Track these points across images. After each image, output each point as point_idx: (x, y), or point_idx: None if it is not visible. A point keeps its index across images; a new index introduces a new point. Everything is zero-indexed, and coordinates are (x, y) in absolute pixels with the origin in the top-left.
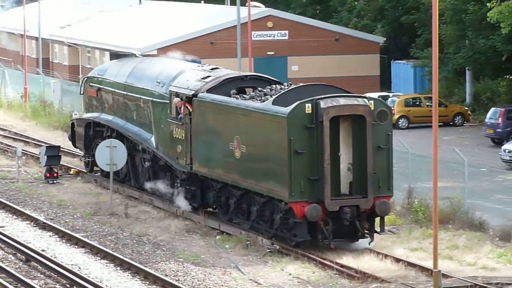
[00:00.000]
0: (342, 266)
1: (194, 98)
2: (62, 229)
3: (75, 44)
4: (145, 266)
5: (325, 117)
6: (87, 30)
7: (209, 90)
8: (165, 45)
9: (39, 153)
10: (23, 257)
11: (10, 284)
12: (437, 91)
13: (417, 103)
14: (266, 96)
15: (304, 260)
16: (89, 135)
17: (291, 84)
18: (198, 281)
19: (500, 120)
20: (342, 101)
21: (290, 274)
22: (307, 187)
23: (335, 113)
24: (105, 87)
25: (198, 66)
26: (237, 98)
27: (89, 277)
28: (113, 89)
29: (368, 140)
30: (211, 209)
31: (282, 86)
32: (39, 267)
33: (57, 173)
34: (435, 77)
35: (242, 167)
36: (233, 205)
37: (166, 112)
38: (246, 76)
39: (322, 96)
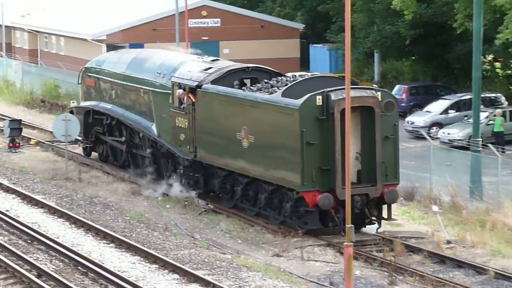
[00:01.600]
0: (267, 223)
1: (198, 89)
2: (24, 192)
3: (34, 30)
4: (96, 224)
5: (336, 108)
6: (44, 18)
7: (213, 82)
8: (113, 31)
9: (3, 126)
10: None
11: None
12: (349, 71)
13: None
14: (273, 88)
15: (235, 218)
16: (88, 122)
17: (295, 76)
18: (142, 236)
19: (404, 96)
20: (353, 93)
21: (222, 230)
22: (318, 176)
23: (346, 105)
24: (103, 77)
25: (199, 57)
26: (244, 90)
27: (47, 233)
28: (112, 79)
29: (377, 131)
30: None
31: (284, 78)
32: (4, 225)
33: (19, 143)
34: (348, 58)
35: (250, 156)
36: (240, 192)
37: (167, 102)
38: (248, 67)
39: (332, 88)
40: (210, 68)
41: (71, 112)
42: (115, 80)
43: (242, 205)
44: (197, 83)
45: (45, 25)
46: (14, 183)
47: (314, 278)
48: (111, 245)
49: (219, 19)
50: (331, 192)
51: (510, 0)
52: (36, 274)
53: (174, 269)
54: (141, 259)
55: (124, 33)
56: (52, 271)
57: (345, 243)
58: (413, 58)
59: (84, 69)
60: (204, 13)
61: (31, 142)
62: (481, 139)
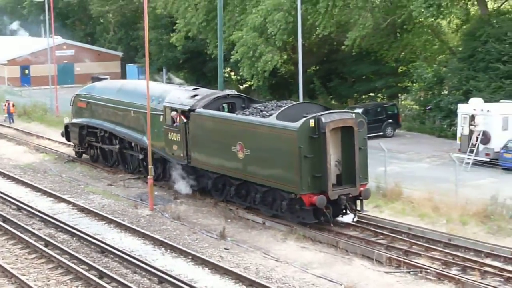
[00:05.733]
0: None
1: (192, 112)
2: None
3: None
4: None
5: (327, 129)
6: None
7: (205, 106)
8: (11, 58)
9: None
10: None
11: None
12: (148, 78)
13: None
14: (263, 113)
15: (86, 165)
16: (82, 134)
17: (274, 102)
18: (29, 176)
19: None
20: (336, 116)
21: (78, 171)
22: (312, 182)
23: (334, 126)
24: (94, 101)
25: (180, 87)
26: (237, 113)
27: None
28: (102, 102)
29: (355, 144)
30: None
31: (257, 103)
32: None
33: None
34: (147, 72)
35: (246, 165)
36: (233, 191)
37: (156, 120)
38: (228, 95)
39: (321, 113)
40: (196, 95)
41: (66, 127)
42: (105, 103)
43: (232, 200)
44: (189, 107)
45: None
46: None
47: (131, 197)
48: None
49: (73, 50)
50: (323, 193)
51: (239, 36)
52: None
53: (48, 194)
54: (28, 188)
55: (19, 60)
56: None
57: (148, 177)
58: (185, 70)
59: (75, 95)
60: (64, 47)
61: None
62: None
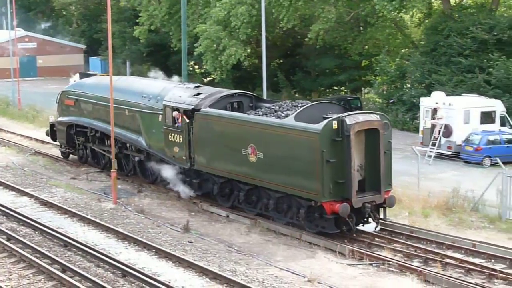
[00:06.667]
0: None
1: (196, 111)
2: None
3: None
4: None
5: (352, 131)
6: None
7: (211, 106)
8: None
9: None
10: None
11: None
12: (112, 71)
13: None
14: (277, 113)
15: (48, 158)
16: (70, 133)
17: (289, 102)
18: None
19: None
20: (361, 118)
21: (40, 165)
22: (334, 189)
23: (359, 128)
24: (83, 98)
25: (179, 84)
26: (249, 114)
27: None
28: (93, 100)
29: (381, 148)
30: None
31: (270, 103)
32: None
33: None
34: (111, 64)
35: (258, 169)
36: (242, 197)
37: (155, 120)
38: (236, 93)
39: (345, 114)
40: (200, 94)
41: (52, 125)
42: (95, 101)
43: (240, 206)
44: (192, 106)
45: None
46: None
47: (95, 190)
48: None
49: (35, 43)
50: (346, 201)
51: (202, 30)
52: None
53: (10, 188)
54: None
55: None
56: None
57: (112, 170)
58: (149, 63)
59: (62, 91)
60: (26, 39)
61: None
62: None
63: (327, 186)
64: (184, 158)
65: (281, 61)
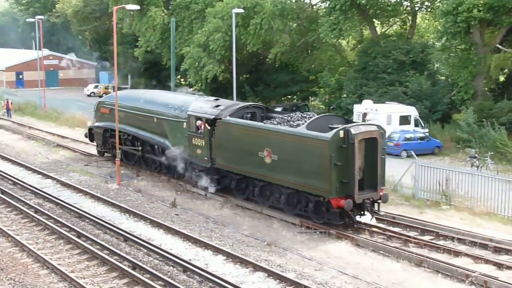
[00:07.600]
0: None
1: (218, 120)
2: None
3: None
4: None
5: (356, 140)
6: None
7: (231, 115)
8: (11, 65)
9: None
10: None
11: None
12: (117, 83)
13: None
14: (290, 122)
15: (68, 150)
16: (105, 136)
17: (299, 113)
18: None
19: None
20: (363, 128)
21: (63, 154)
22: (339, 187)
23: (362, 137)
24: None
25: (200, 97)
26: (265, 123)
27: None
28: (125, 109)
29: (378, 153)
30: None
31: (284, 114)
32: None
33: None
34: (116, 78)
35: (273, 169)
36: (257, 192)
37: (179, 126)
38: (250, 105)
39: (350, 125)
40: (219, 105)
41: (90, 129)
42: (129, 110)
43: (254, 199)
44: (213, 116)
45: None
46: None
47: (103, 175)
48: None
49: (57, 60)
50: (349, 197)
51: (187, 51)
52: None
53: (37, 172)
54: (22, 167)
55: (17, 67)
56: None
57: (116, 159)
58: (145, 77)
59: (98, 102)
60: (50, 57)
61: None
62: None
63: (334, 185)
64: (205, 158)
65: (248, 76)
